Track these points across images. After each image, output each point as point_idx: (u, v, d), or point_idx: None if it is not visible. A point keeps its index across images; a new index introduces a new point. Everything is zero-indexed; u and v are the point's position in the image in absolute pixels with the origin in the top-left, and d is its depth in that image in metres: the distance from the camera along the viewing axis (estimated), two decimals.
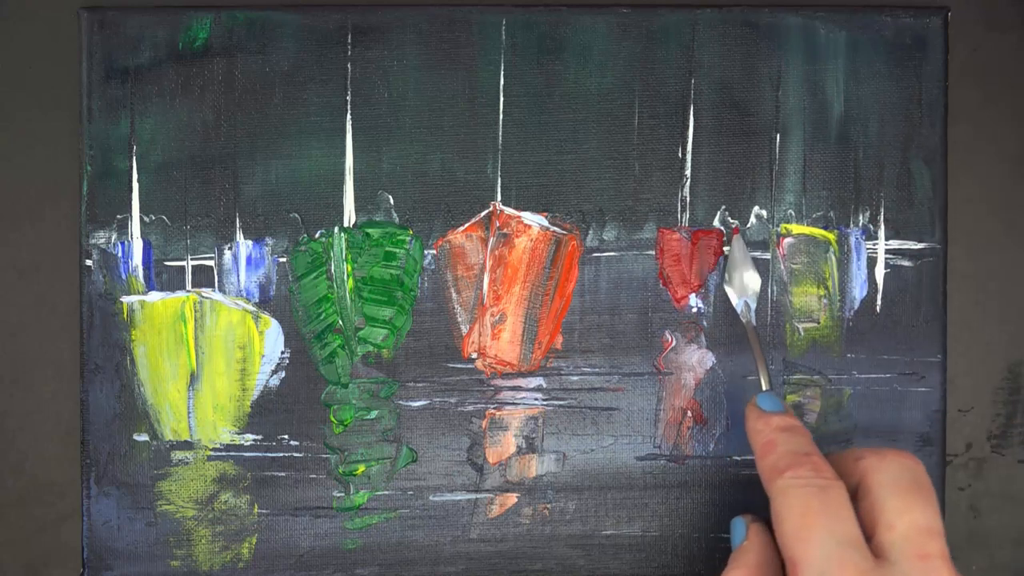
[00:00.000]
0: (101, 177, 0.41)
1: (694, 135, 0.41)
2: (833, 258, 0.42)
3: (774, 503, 0.34)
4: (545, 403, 0.41)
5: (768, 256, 0.42)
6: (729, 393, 0.42)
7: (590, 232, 0.41)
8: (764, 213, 0.42)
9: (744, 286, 0.41)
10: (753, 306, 0.41)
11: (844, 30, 0.41)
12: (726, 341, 0.41)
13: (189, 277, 0.41)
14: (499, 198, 0.41)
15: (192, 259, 0.41)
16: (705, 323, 0.41)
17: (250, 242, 0.41)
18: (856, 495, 0.34)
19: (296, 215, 0.41)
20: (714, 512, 0.42)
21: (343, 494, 0.41)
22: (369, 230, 0.41)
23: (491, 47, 0.41)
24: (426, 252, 0.41)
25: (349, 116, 0.41)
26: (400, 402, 0.41)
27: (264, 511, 0.41)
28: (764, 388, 0.38)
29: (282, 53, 0.41)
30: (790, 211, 0.42)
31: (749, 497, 0.41)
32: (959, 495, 0.44)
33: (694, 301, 0.42)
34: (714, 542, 0.42)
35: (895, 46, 0.41)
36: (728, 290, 0.41)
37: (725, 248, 0.41)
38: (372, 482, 0.41)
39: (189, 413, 0.41)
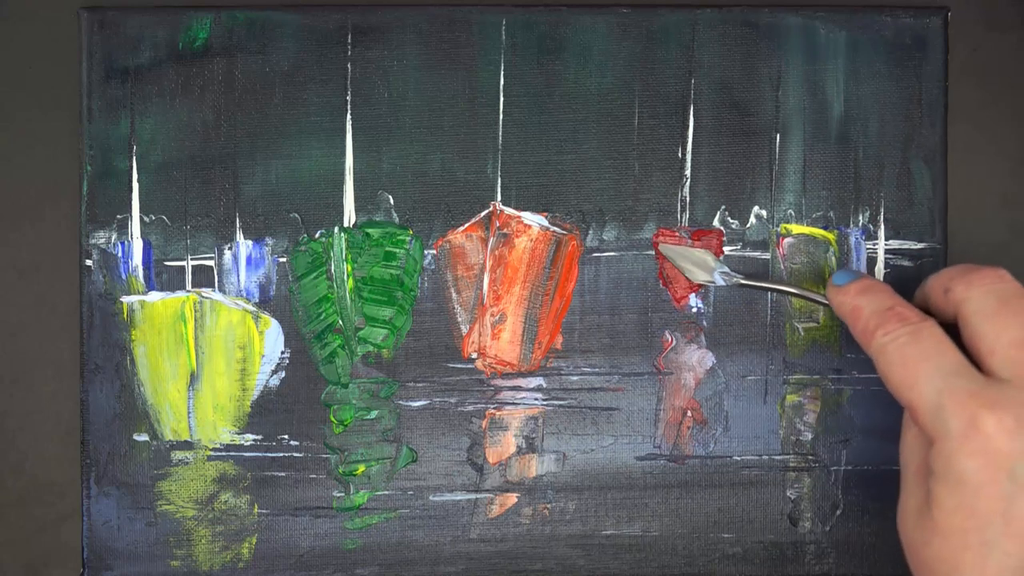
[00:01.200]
0: (101, 177, 0.41)
1: (694, 135, 0.41)
2: (833, 258, 0.42)
3: (878, 364, 0.35)
4: (545, 403, 0.41)
5: (768, 256, 0.42)
6: (729, 393, 0.42)
7: (590, 232, 0.41)
8: (764, 213, 0.42)
9: (698, 268, 0.41)
10: (723, 268, 0.41)
11: (844, 30, 0.41)
12: (726, 341, 0.41)
13: (189, 277, 0.41)
14: (499, 198, 0.41)
15: (192, 259, 0.41)
16: (705, 323, 0.41)
17: (250, 242, 0.41)
18: (956, 324, 0.35)
19: (296, 215, 0.41)
20: (714, 512, 0.42)
21: (343, 494, 0.41)
22: (369, 230, 0.41)
23: (491, 47, 0.41)
24: (426, 252, 0.41)
25: (349, 116, 0.41)
26: (400, 402, 0.41)
27: (264, 511, 0.41)
28: (822, 301, 0.39)
29: (282, 53, 0.41)
30: (790, 211, 0.42)
31: (749, 497, 0.41)
32: None
33: (694, 301, 0.42)
34: (714, 542, 0.42)
35: (895, 46, 0.41)
36: (698, 280, 0.41)
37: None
38: (372, 482, 0.41)
39: (189, 413, 0.41)
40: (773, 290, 0.40)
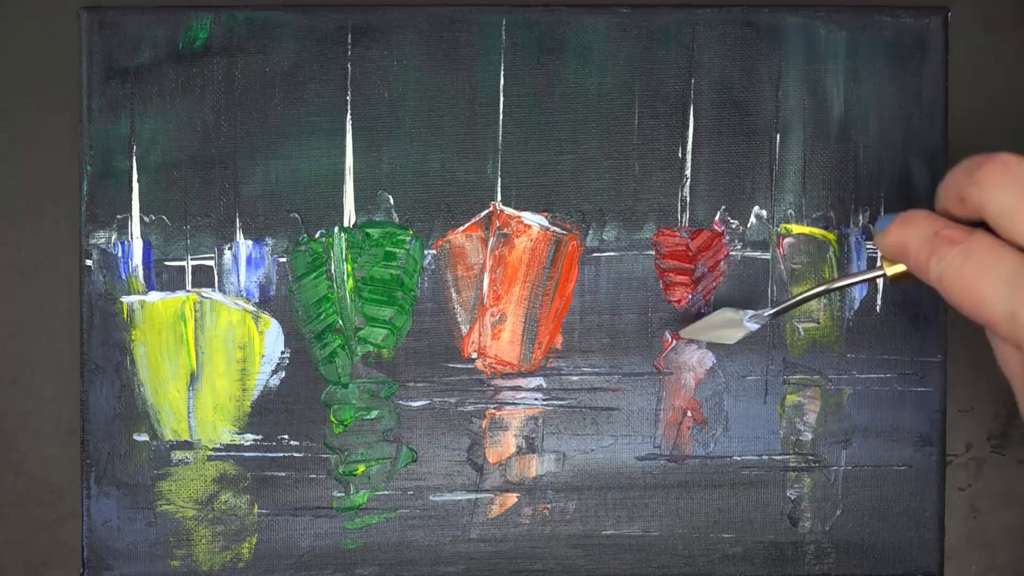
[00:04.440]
0: (101, 177, 0.41)
1: (694, 135, 0.41)
2: (833, 258, 0.42)
3: (942, 293, 0.34)
4: (545, 403, 0.41)
5: (768, 256, 0.42)
6: (729, 393, 0.42)
7: (590, 232, 0.41)
8: (764, 213, 0.42)
9: (728, 328, 0.40)
10: (749, 314, 0.40)
11: (844, 30, 0.41)
12: None
13: (189, 277, 0.41)
14: (499, 198, 0.41)
15: (192, 259, 0.41)
16: None
17: (250, 242, 0.41)
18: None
19: (296, 215, 0.41)
20: (714, 512, 0.42)
21: (343, 494, 0.41)
22: (369, 230, 0.41)
23: (491, 47, 0.41)
24: (426, 252, 0.41)
25: (349, 116, 0.41)
26: (400, 402, 0.41)
27: (264, 511, 0.41)
28: (875, 269, 0.37)
29: (282, 53, 0.41)
30: (790, 211, 0.42)
31: (749, 497, 0.41)
32: (959, 495, 0.44)
33: (694, 301, 0.42)
34: (714, 542, 0.42)
35: (895, 46, 0.41)
36: (737, 339, 0.40)
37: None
38: (372, 482, 0.41)
39: (189, 413, 0.41)
40: (813, 296, 0.39)
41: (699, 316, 0.41)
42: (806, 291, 0.38)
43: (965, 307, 0.33)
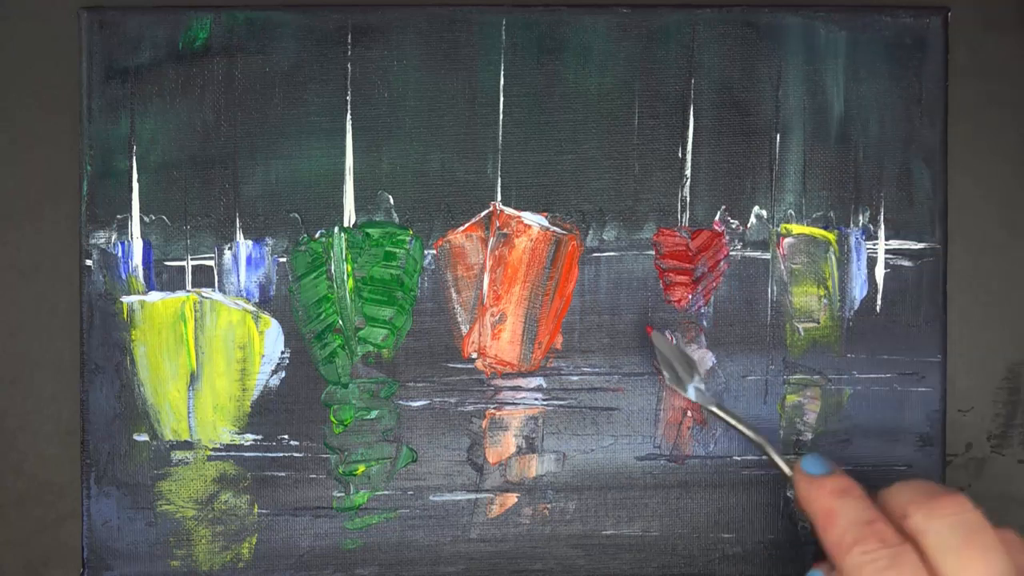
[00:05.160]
0: (101, 177, 0.41)
1: (694, 135, 0.41)
2: (833, 258, 0.42)
3: None
4: (545, 403, 0.41)
5: (768, 256, 0.42)
6: (729, 393, 0.42)
7: (590, 232, 0.41)
8: (764, 213, 0.42)
9: (682, 376, 0.40)
10: (704, 387, 0.39)
11: (844, 30, 0.41)
12: (726, 341, 0.41)
13: (189, 277, 0.41)
14: (499, 198, 0.41)
15: (192, 259, 0.41)
16: (705, 323, 0.41)
17: (250, 242, 0.41)
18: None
19: (296, 215, 0.41)
20: (714, 512, 0.42)
21: (343, 494, 0.41)
22: (369, 230, 0.41)
23: (491, 47, 0.41)
24: (426, 252, 0.41)
25: (349, 116, 0.41)
26: (400, 402, 0.41)
27: (264, 511, 0.41)
28: (786, 471, 0.37)
29: (282, 53, 0.41)
30: (790, 211, 0.42)
31: (749, 497, 0.41)
32: None
33: (694, 301, 0.42)
34: (714, 542, 0.42)
35: (895, 46, 0.41)
36: (672, 387, 0.40)
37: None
38: (372, 482, 0.41)
39: (189, 413, 0.41)
40: (737, 431, 0.38)
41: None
42: (747, 430, 0.38)
43: None
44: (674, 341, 0.41)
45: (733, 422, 0.38)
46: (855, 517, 0.33)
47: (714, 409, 0.39)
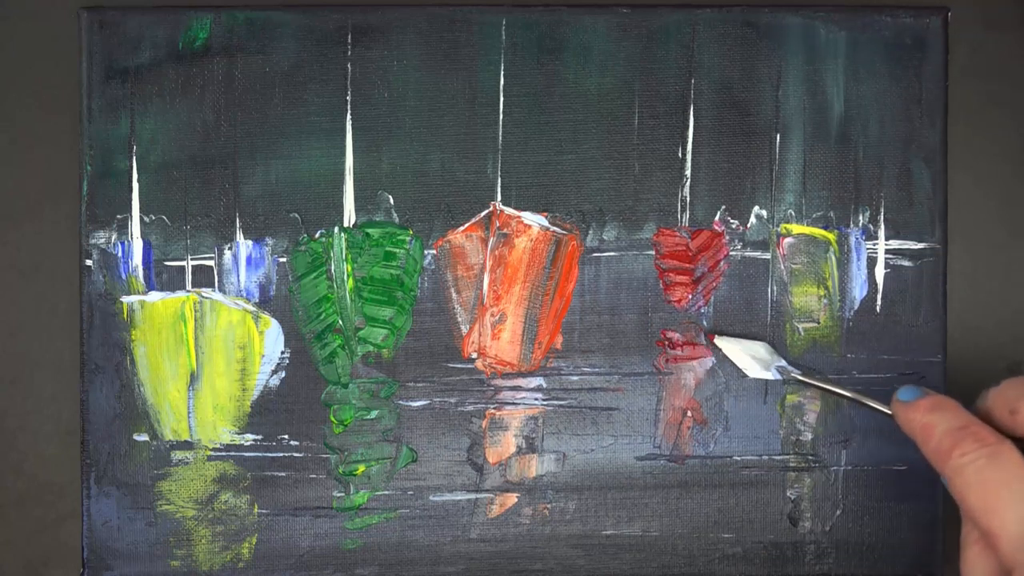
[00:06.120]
0: (101, 177, 0.41)
1: (694, 135, 0.41)
2: (833, 258, 0.42)
3: (952, 485, 0.33)
4: (545, 403, 0.41)
5: (768, 256, 0.42)
6: (730, 392, 0.42)
7: (590, 232, 0.41)
8: (764, 213, 0.42)
9: (757, 363, 0.41)
10: (780, 363, 0.41)
11: (844, 30, 0.41)
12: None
13: (189, 277, 0.41)
14: (499, 198, 0.41)
15: (192, 259, 0.41)
16: (705, 323, 0.41)
17: (250, 242, 0.41)
18: None
19: (296, 215, 0.41)
20: (714, 512, 0.42)
21: (343, 494, 0.41)
22: (369, 230, 0.41)
23: (491, 47, 0.41)
24: (426, 252, 0.41)
25: (349, 116, 0.41)
26: (400, 402, 0.41)
27: (264, 511, 0.41)
28: (886, 412, 0.38)
29: (282, 53, 0.41)
30: (790, 211, 0.42)
31: (749, 497, 0.41)
32: None
33: (694, 301, 0.42)
34: (714, 542, 0.42)
35: (895, 46, 0.41)
36: (754, 375, 0.41)
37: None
38: (372, 482, 0.41)
39: (189, 413, 0.41)
40: (832, 392, 0.40)
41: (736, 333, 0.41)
42: (839, 389, 0.39)
43: (973, 508, 0.33)
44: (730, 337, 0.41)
45: (823, 386, 0.40)
46: (949, 425, 0.34)
47: (800, 378, 0.40)
